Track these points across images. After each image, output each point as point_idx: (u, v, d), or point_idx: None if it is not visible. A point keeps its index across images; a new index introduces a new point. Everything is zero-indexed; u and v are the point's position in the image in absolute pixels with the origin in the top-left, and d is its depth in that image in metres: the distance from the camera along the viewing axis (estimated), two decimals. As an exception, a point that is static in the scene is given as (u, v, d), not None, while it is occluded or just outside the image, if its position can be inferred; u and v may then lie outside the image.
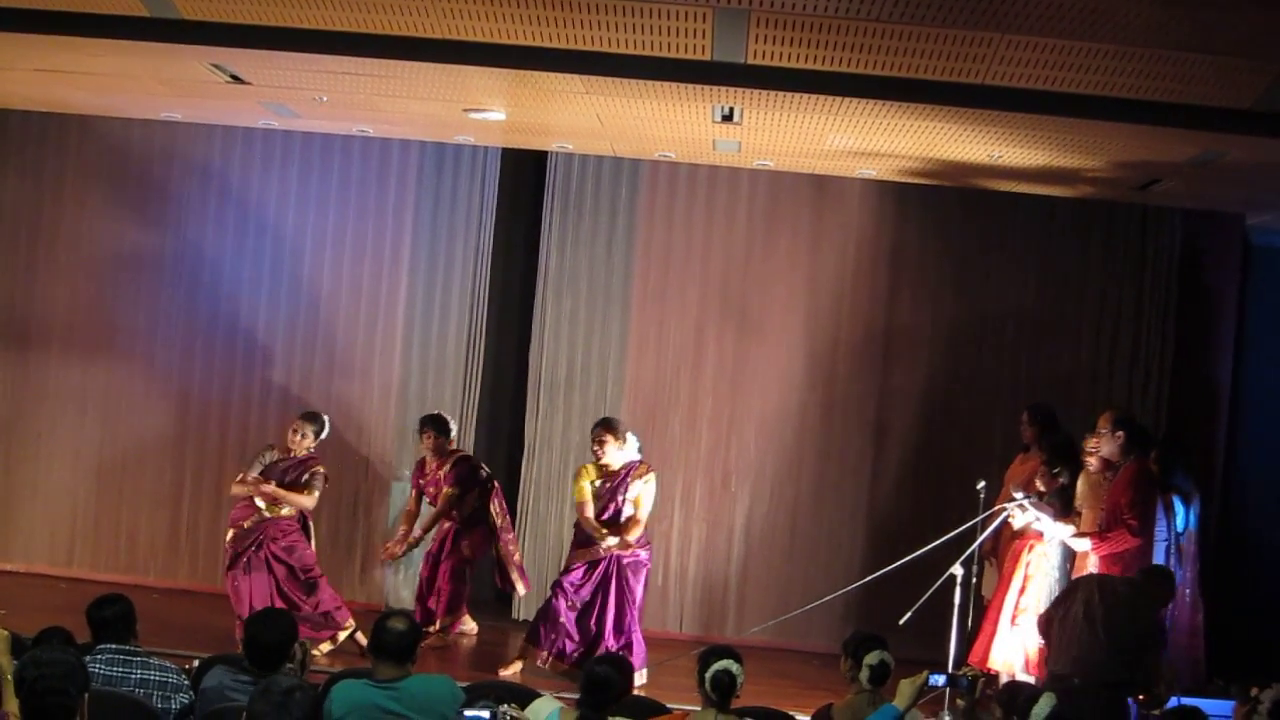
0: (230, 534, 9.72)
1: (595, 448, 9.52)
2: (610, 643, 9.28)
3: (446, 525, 10.37)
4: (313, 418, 9.92)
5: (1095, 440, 8.92)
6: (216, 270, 11.66)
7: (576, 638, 9.40)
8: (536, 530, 11.39)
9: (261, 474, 9.65)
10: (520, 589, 10.52)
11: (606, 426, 9.57)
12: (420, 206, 11.57)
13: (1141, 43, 6.59)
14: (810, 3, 6.44)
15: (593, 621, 9.40)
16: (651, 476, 9.58)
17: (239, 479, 9.75)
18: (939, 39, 6.83)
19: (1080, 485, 9.10)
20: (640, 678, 9.11)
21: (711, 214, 11.44)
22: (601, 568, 9.42)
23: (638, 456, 9.63)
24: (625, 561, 9.42)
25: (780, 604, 10.89)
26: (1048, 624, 8.05)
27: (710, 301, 11.47)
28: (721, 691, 5.72)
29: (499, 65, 7.98)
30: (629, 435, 9.61)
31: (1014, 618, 9.24)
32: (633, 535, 9.40)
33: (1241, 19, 6.20)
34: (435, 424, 10.37)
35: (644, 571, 9.60)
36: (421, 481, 10.45)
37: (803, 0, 6.42)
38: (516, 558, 10.48)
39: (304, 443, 9.74)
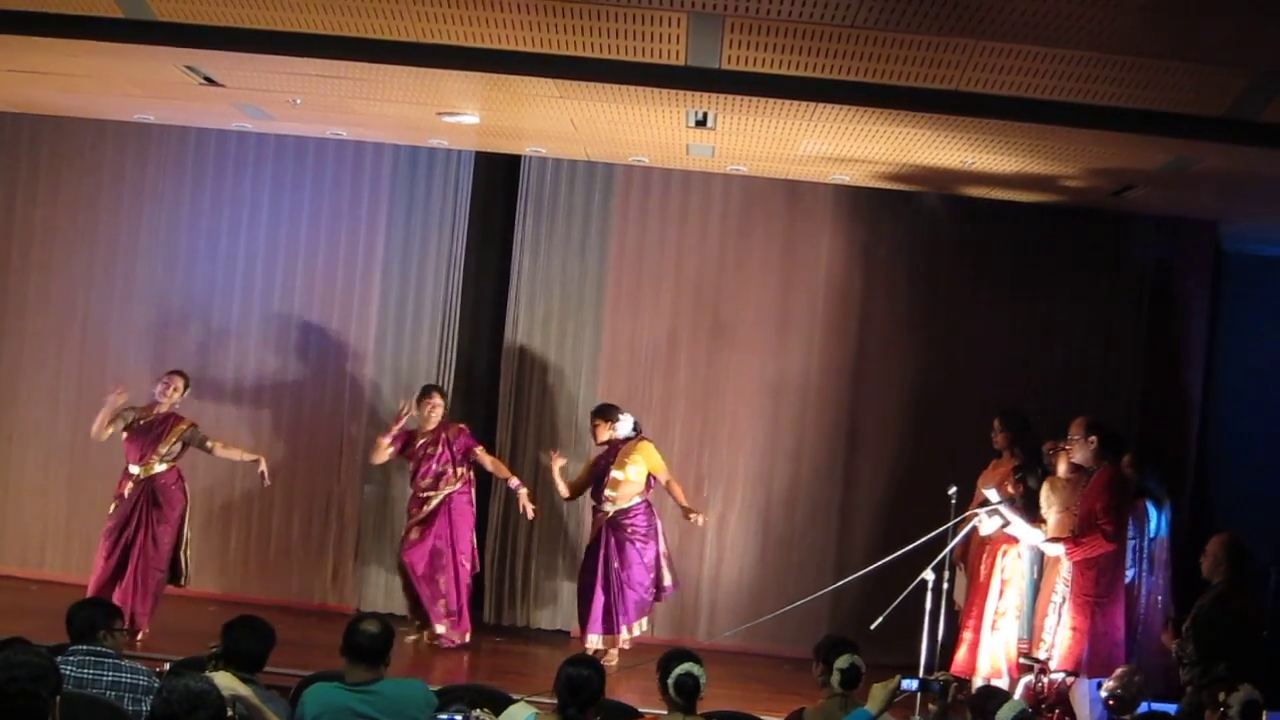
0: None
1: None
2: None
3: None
4: (183, 373, 10.21)
5: (1063, 446, 8.97)
6: (188, 272, 11.63)
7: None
8: (505, 531, 11.37)
9: (127, 430, 9.89)
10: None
11: (595, 413, 10.48)
12: (393, 210, 11.54)
13: (1115, 50, 6.62)
14: (785, 8, 6.45)
15: (599, 587, 10.10)
16: (640, 449, 10.30)
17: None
18: (913, 45, 6.85)
19: (1045, 490, 9.13)
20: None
21: (685, 219, 11.45)
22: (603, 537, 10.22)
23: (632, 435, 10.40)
24: (627, 529, 10.20)
25: (752, 608, 10.89)
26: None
27: (683, 306, 11.47)
28: (685, 695, 5.72)
29: (473, 69, 7.98)
30: (622, 417, 10.36)
31: (994, 623, 9.29)
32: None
33: (1215, 26, 6.24)
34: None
35: (638, 538, 10.18)
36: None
37: (777, 6, 6.44)
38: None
39: (175, 396, 10.00)
